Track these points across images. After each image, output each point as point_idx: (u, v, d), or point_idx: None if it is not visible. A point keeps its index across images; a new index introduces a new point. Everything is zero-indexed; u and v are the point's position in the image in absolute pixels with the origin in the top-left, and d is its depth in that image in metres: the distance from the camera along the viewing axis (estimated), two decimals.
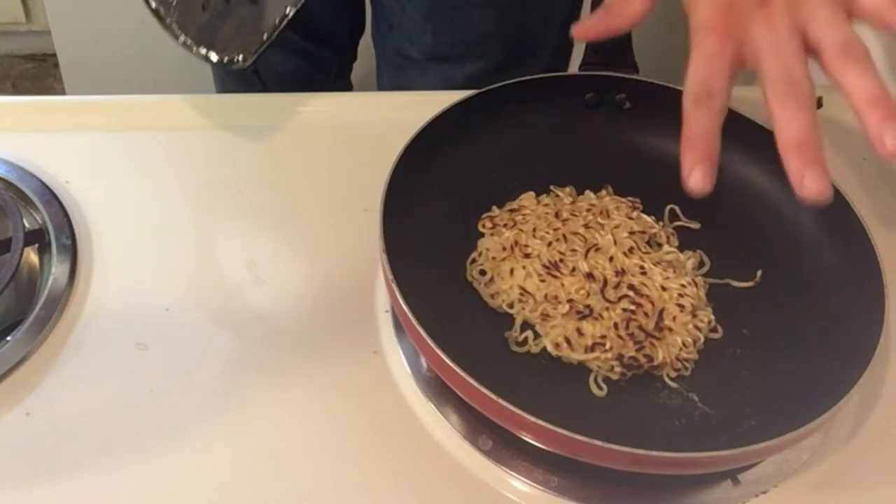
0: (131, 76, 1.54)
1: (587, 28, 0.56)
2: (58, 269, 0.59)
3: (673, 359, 0.55)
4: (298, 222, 0.64)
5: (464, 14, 0.86)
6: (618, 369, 0.54)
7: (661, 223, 0.62)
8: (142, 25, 1.46)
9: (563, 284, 0.57)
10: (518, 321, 0.57)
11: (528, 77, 0.64)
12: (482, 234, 0.61)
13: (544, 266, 0.58)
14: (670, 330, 0.56)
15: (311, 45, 1.02)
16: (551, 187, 0.64)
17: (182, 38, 0.63)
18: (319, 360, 0.57)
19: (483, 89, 0.62)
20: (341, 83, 1.13)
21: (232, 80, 1.07)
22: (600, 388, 0.54)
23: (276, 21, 0.67)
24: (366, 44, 1.10)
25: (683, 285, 0.58)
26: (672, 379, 0.54)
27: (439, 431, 0.54)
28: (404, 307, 0.50)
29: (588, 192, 0.64)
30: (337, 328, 0.58)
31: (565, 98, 0.65)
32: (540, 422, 0.46)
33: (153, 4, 0.63)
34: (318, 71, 1.06)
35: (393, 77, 0.97)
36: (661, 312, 0.56)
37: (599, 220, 0.61)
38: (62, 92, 1.67)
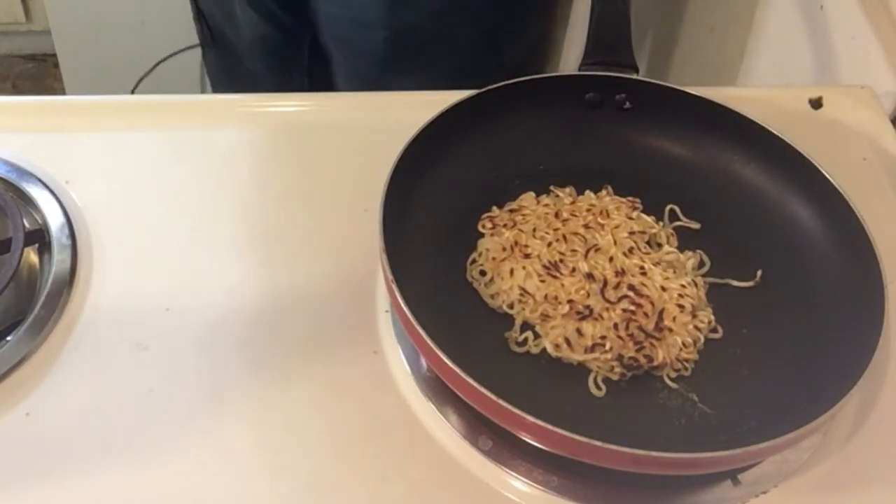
0: (131, 76, 1.54)
1: None
2: (58, 269, 0.59)
3: (673, 359, 0.55)
4: (298, 222, 0.64)
5: None
6: (618, 370, 0.54)
7: (661, 223, 0.62)
8: (142, 25, 1.46)
9: (563, 285, 0.57)
10: (518, 321, 0.57)
11: (529, 77, 0.64)
12: (482, 235, 0.61)
13: (544, 266, 0.58)
14: (670, 330, 0.56)
15: (279, 10, 1.02)
16: (551, 187, 0.64)
17: None
18: (319, 360, 0.57)
19: (483, 89, 0.62)
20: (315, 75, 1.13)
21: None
22: (599, 388, 0.54)
23: None
24: None
25: (683, 285, 0.58)
26: (672, 379, 0.54)
27: (439, 431, 0.54)
28: (404, 307, 0.50)
29: (588, 192, 0.64)
30: (337, 328, 0.58)
31: (565, 98, 0.65)
32: (540, 422, 0.46)
33: None
34: (289, 45, 1.05)
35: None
36: (661, 313, 0.56)
37: (599, 220, 0.61)
38: (62, 92, 1.66)
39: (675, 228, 0.62)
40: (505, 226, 0.61)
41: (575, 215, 0.61)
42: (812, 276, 0.58)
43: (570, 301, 0.56)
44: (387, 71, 0.93)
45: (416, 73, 0.93)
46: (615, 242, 0.60)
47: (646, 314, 0.56)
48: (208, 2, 1.06)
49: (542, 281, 0.57)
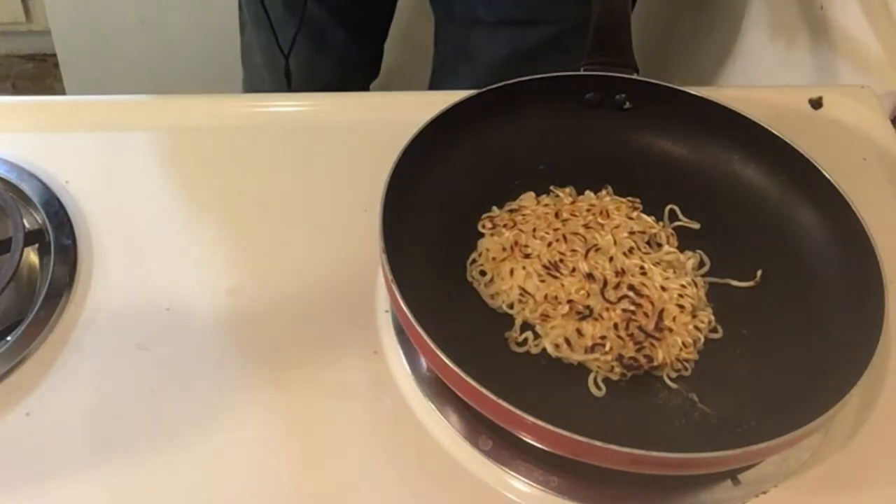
0: (131, 76, 1.54)
1: None
2: (58, 269, 0.59)
3: (673, 359, 0.55)
4: (298, 222, 0.64)
5: None
6: (618, 370, 0.54)
7: (661, 223, 0.62)
8: (142, 25, 1.45)
9: (563, 285, 0.57)
10: (518, 321, 0.57)
11: (529, 77, 0.64)
12: (482, 235, 0.61)
13: (544, 266, 0.58)
14: (670, 330, 0.56)
15: (355, 48, 0.99)
16: (551, 187, 0.64)
17: None
18: (319, 360, 0.57)
19: (483, 89, 0.62)
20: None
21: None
22: (599, 388, 0.54)
23: None
24: None
25: (683, 286, 0.58)
26: (672, 379, 0.54)
27: (439, 431, 0.54)
28: (404, 307, 0.50)
29: (588, 192, 0.64)
30: (337, 328, 0.58)
31: (565, 98, 0.65)
32: (540, 422, 0.46)
33: None
34: (351, 78, 1.04)
35: (456, 42, 0.93)
36: (661, 313, 0.56)
37: (599, 220, 0.61)
38: (62, 92, 1.66)
39: (675, 228, 0.62)
40: (505, 226, 0.61)
41: (575, 215, 0.61)
42: (812, 277, 0.58)
43: (570, 301, 0.56)
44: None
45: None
46: (615, 242, 0.60)
47: (646, 314, 0.56)
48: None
49: (542, 281, 0.57)
